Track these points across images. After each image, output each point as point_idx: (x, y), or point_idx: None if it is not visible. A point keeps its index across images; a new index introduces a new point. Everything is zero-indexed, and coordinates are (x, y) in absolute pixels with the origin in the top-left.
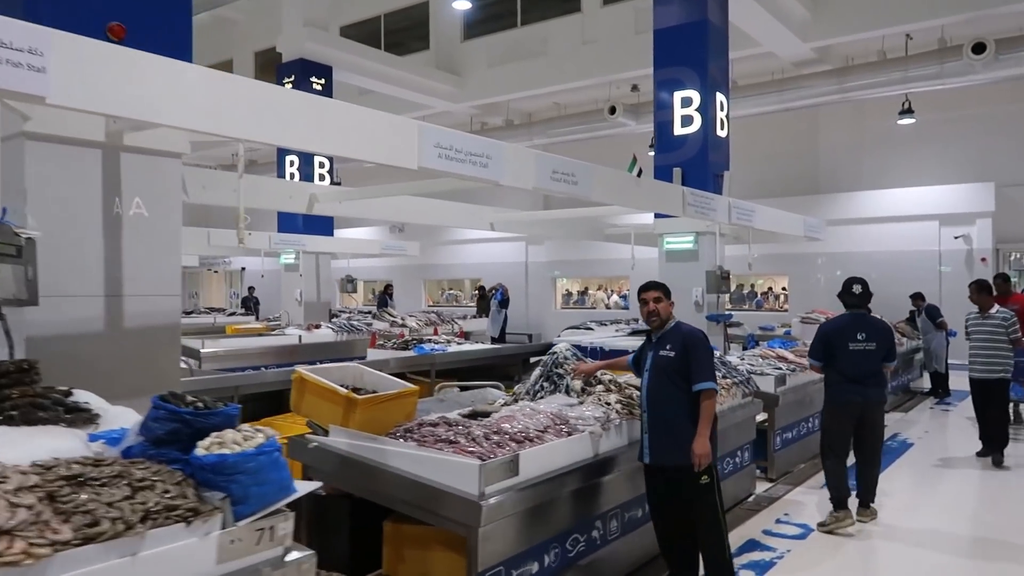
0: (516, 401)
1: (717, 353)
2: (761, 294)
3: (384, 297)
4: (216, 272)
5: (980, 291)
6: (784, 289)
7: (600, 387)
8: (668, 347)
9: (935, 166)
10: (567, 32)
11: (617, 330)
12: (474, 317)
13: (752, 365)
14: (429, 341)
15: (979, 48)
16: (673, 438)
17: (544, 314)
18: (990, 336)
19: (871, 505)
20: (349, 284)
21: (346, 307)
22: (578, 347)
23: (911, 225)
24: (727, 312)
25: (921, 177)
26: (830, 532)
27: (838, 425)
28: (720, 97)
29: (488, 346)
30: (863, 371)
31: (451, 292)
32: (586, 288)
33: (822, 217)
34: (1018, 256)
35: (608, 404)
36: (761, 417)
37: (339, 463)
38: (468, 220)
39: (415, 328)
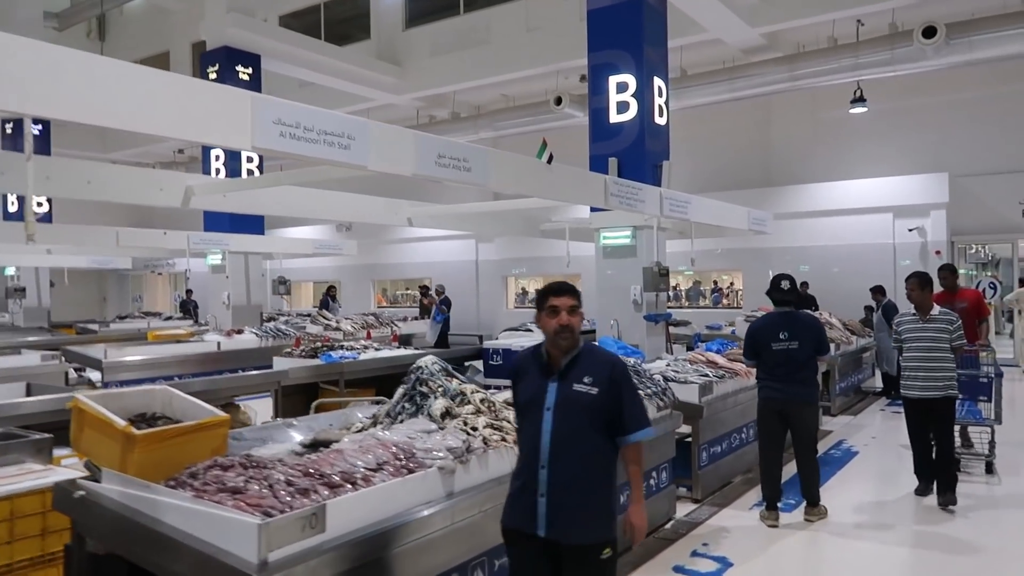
0: (375, 424)
1: (631, 361)
2: (717, 291)
3: (326, 299)
4: (160, 274)
5: (924, 287)
6: (731, 285)
7: (468, 407)
8: (587, 379)
9: (889, 157)
10: (511, 20)
11: None
12: (415, 319)
13: (677, 371)
14: (343, 347)
15: (930, 32)
16: (585, 507)
17: (496, 314)
18: (932, 344)
19: (819, 504)
20: (281, 286)
21: (279, 311)
22: (507, 351)
23: (865, 218)
24: (666, 312)
25: (875, 168)
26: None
27: (763, 422)
28: (658, 82)
29: (406, 351)
30: (785, 370)
31: (407, 292)
32: None
33: (775, 210)
34: (975, 249)
35: (474, 430)
36: (685, 430)
37: (108, 518)
38: (382, 215)
39: (350, 332)
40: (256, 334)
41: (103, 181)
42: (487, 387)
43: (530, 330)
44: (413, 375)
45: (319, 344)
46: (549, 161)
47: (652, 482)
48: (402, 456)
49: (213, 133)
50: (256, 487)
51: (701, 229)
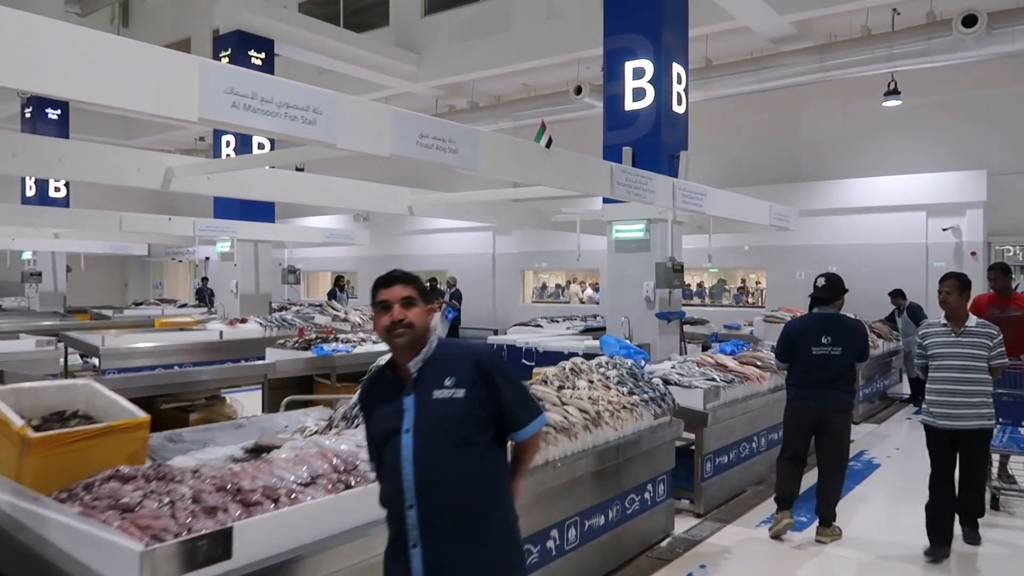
0: (330, 428)
1: (628, 362)
2: (739, 289)
3: (335, 290)
4: (180, 261)
5: (963, 291)
6: (758, 284)
7: None
8: (448, 381)
9: (923, 152)
10: (531, 7)
11: (568, 327)
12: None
13: (682, 374)
14: (338, 340)
15: (970, 21)
16: (474, 553)
17: (512, 308)
18: (967, 363)
19: (833, 524)
20: (291, 275)
21: (289, 300)
22: (512, 347)
23: (897, 216)
24: (679, 310)
25: (908, 164)
26: (776, 537)
27: (793, 427)
28: (678, 69)
29: None
30: (824, 376)
31: (428, 284)
32: (569, 281)
33: (803, 206)
34: (1013, 251)
35: None
36: (690, 437)
37: None
38: (381, 202)
39: (358, 323)
40: (261, 323)
41: (75, 160)
42: None
43: (540, 325)
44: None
45: (314, 336)
46: (548, 145)
47: (647, 495)
48: (342, 468)
49: (155, 101)
50: (154, 504)
51: (721, 224)
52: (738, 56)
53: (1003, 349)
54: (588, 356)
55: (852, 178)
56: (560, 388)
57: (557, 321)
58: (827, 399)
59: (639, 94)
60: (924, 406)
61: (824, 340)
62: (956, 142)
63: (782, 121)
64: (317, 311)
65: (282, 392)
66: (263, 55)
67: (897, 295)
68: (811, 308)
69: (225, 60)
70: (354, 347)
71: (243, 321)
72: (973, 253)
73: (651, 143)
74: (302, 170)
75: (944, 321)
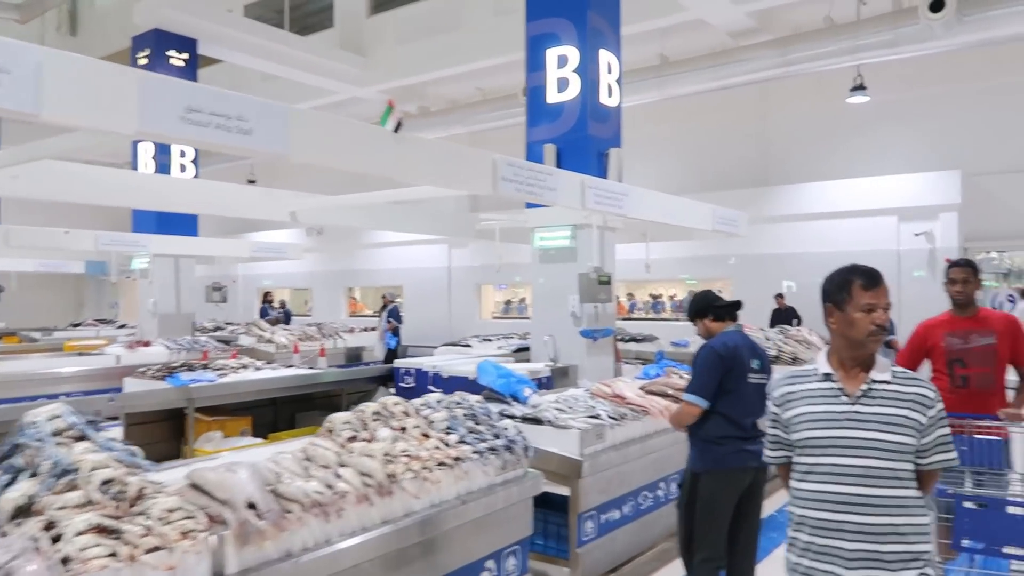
0: None
1: (471, 400)
2: None
3: (264, 307)
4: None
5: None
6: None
7: (76, 495)
8: None
9: (894, 153)
10: (479, 4)
11: (499, 347)
12: (373, 330)
13: (563, 411)
14: (207, 367)
15: (937, 6)
16: None
17: (469, 323)
18: (875, 461)
19: None
20: (216, 292)
21: (215, 320)
22: (419, 371)
23: (867, 221)
24: (606, 327)
25: (878, 166)
26: None
27: (722, 508)
28: (607, 57)
29: (291, 373)
30: (759, 417)
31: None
32: None
33: (771, 212)
34: (996, 257)
35: (56, 540)
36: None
37: None
38: (258, 207)
39: (283, 344)
40: (168, 347)
41: None
42: None
43: (469, 345)
44: (14, 436)
45: (179, 363)
46: (396, 129)
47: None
48: None
49: None
50: None
51: (665, 231)
52: (696, 52)
53: (947, 431)
54: None
55: (821, 181)
56: (352, 439)
57: (490, 340)
58: (760, 452)
59: (563, 84)
60: (786, 553)
61: (754, 364)
62: (928, 141)
63: (747, 122)
64: (242, 332)
65: (157, 427)
66: (186, 55)
67: None
68: (713, 319)
69: (144, 62)
70: (223, 375)
71: (146, 344)
72: (947, 259)
73: (577, 139)
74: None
75: (827, 370)
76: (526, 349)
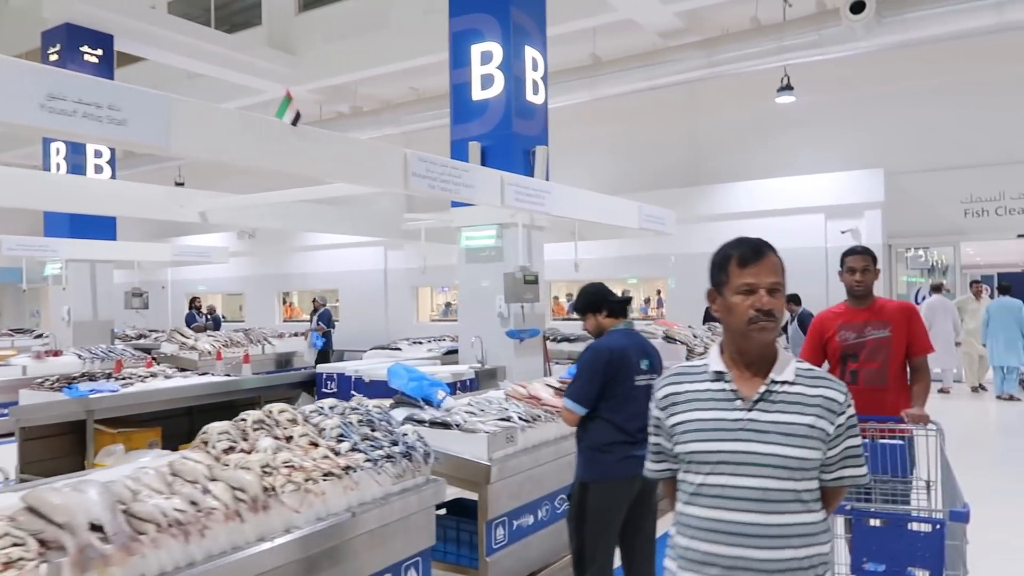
0: None
1: (367, 404)
2: (645, 301)
3: (192, 313)
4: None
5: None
6: (659, 294)
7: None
8: None
9: (820, 152)
10: (409, 2)
11: (429, 350)
12: (304, 335)
13: (476, 413)
14: (110, 377)
15: (858, 7)
16: None
17: (405, 327)
18: (773, 479)
19: None
20: (136, 298)
21: (136, 327)
22: (341, 376)
23: (795, 219)
24: (532, 328)
25: (806, 165)
26: None
27: (611, 517)
28: (532, 54)
29: (202, 381)
30: (646, 420)
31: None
32: None
33: (704, 211)
34: (922, 255)
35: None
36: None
37: None
38: (162, 208)
39: (207, 351)
40: (80, 356)
41: None
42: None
43: (399, 348)
44: None
45: (81, 373)
46: (294, 122)
47: None
48: None
49: None
50: None
51: (594, 230)
52: (627, 53)
53: (857, 440)
54: None
55: (750, 180)
56: (229, 451)
57: (421, 343)
58: None
59: (487, 81)
60: None
61: (643, 365)
62: (853, 141)
63: (680, 123)
64: (164, 339)
65: (57, 441)
66: (100, 51)
67: (791, 300)
68: (607, 314)
69: (54, 57)
70: (128, 385)
71: (56, 354)
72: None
73: (502, 137)
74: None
75: (719, 368)
76: (456, 351)
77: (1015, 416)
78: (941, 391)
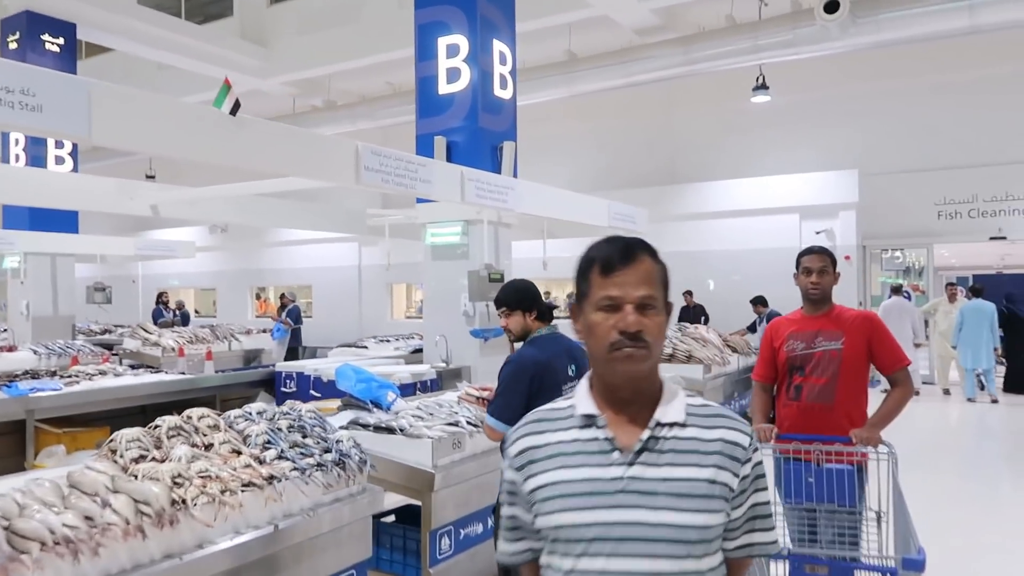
0: None
1: (300, 408)
2: None
3: (159, 308)
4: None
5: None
6: None
7: None
8: None
9: (795, 152)
10: None
11: (396, 348)
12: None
13: (423, 417)
14: (56, 375)
15: (832, 7)
16: None
17: (379, 324)
18: (662, 553)
19: None
20: (98, 293)
21: (99, 322)
22: (300, 375)
23: (770, 219)
24: (497, 327)
25: (781, 164)
26: None
27: None
28: (500, 47)
29: (150, 379)
30: None
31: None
32: None
33: (679, 210)
34: (899, 256)
35: None
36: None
37: None
38: (113, 201)
39: (170, 348)
40: (35, 351)
41: None
42: None
43: (365, 346)
44: None
45: (24, 371)
46: (234, 112)
47: None
48: None
49: None
50: None
51: (564, 228)
52: (603, 49)
53: (765, 496)
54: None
55: (726, 179)
56: (139, 460)
57: (388, 341)
58: None
59: (454, 75)
60: None
61: (571, 372)
62: (828, 141)
63: (657, 121)
64: (128, 335)
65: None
66: (62, 40)
67: (758, 302)
68: (536, 316)
69: (13, 46)
70: (73, 383)
71: (10, 349)
72: (847, 257)
73: (469, 132)
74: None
75: (589, 410)
76: (416, 351)
77: (981, 417)
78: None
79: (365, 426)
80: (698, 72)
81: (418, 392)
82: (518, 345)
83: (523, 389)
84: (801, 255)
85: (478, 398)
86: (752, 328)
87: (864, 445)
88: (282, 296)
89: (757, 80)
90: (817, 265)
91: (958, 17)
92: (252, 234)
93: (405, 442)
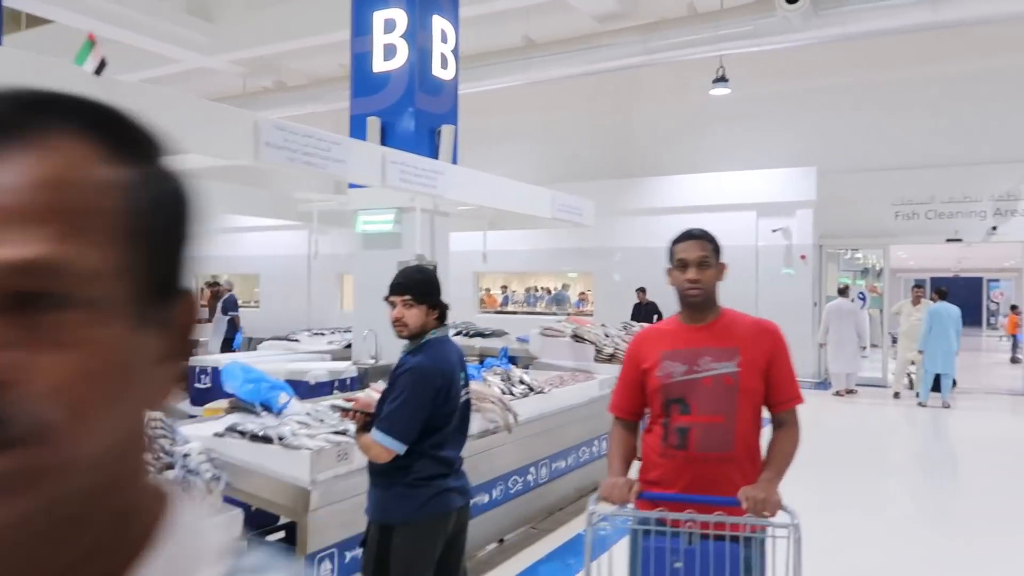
0: None
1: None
2: (580, 296)
3: None
4: None
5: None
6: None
7: None
8: None
9: (754, 148)
10: None
11: (330, 342)
12: (208, 322)
13: (309, 424)
14: None
15: None
16: None
17: (328, 315)
18: None
19: None
20: None
21: None
22: (215, 370)
23: (727, 215)
24: None
25: (740, 160)
26: None
27: (422, 565)
28: (441, 24)
29: None
30: (461, 444)
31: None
32: None
33: (636, 205)
34: (861, 256)
35: None
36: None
37: None
38: None
39: None
40: None
41: None
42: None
43: (297, 340)
44: None
45: None
46: (99, 72)
47: None
48: None
49: None
50: None
51: (516, 220)
52: (563, 36)
53: None
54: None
55: (684, 174)
56: None
57: (323, 334)
58: (468, 488)
59: (390, 52)
60: None
61: (463, 381)
62: (786, 137)
63: (615, 113)
64: None
65: None
66: None
67: (640, 292)
68: (439, 315)
69: None
70: None
71: None
72: (803, 256)
73: (404, 113)
74: None
75: None
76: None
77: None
78: (838, 393)
79: (243, 433)
80: (658, 62)
81: (336, 392)
82: (402, 344)
83: (427, 403)
84: (674, 242)
85: (348, 411)
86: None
87: (759, 512)
88: (216, 284)
89: (717, 72)
90: (694, 254)
91: (921, 12)
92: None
93: (282, 453)
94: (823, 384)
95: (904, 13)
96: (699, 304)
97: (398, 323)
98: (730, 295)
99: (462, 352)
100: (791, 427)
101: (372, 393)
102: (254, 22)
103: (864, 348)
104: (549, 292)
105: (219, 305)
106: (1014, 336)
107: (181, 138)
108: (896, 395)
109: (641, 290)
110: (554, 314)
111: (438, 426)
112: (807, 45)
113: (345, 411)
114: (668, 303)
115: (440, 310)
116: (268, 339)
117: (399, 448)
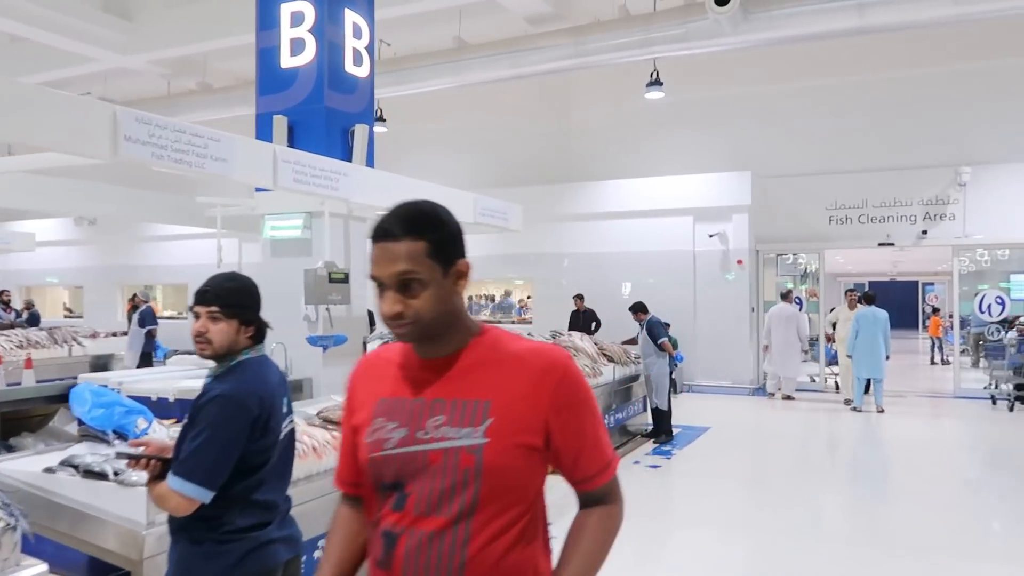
0: None
1: None
2: (520, 303)
3: None
4: None
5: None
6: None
7: None
8: None
9: (690, 152)
10: None
11: None
12: (124, 334)
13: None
14: None
15: (723, 0)
16: None
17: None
18: None
19: None
20: None
21: None
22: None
23: (665, 221)
24: (338, 334)
25: (676, 165)
26: None
27: None
28: (354, 18)
29: None
30: (289, 480)
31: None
32: None
33: (573, 209)
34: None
35: None
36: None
37: None
38: None
39: None
40: None
41: None
42: None
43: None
44: None
45: None
46: None
47: None
48: None
49: None
50: None
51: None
52: (494, 37)
53: None
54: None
55: (621, 179)
56: None
57: None
58: (299, 534)
59: (298, 47)
60: None
61: (285, 409)
62: (721, 142)
63: (550, 116)
64: None
65: None
66: None
67: (638, 309)
68: (256, 330)
69: None
70: None
71: None
72: (739, 261)
73: (313, 112)
74: None
75: None
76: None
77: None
78: (787, 397)
79: (75, 467)
80: (590, 65)
81: None
82: (208, 366)
83: (238, 438)
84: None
85: (137, 458)
86: (634, 339)
87: None
88: (133, 296)
89: (651, 75)
90: (391, 271)
91: (848, 17)
92: (122, 227)
93: (117, 491)
94: (760, 390)
95: (831, 18)
96: (411, 335)
97: (200, 339)
98: (668, 301)
99: (284, 374)
100: (606, 506)
101: (166, 439)
102: (174, 20)
103: (806, 352)
104: (492, 300)
105: (135, 318)
106: (938, 339)
107: (18, 131)
108: (848, 402)
109: (579, 297)
110: (499, 322)
111: (254, 465)
112: (741, 49)
113: (134, 459)
114: (609, 310)
115: (257, 326)
116: (183, 352)
117: (203, 496)
